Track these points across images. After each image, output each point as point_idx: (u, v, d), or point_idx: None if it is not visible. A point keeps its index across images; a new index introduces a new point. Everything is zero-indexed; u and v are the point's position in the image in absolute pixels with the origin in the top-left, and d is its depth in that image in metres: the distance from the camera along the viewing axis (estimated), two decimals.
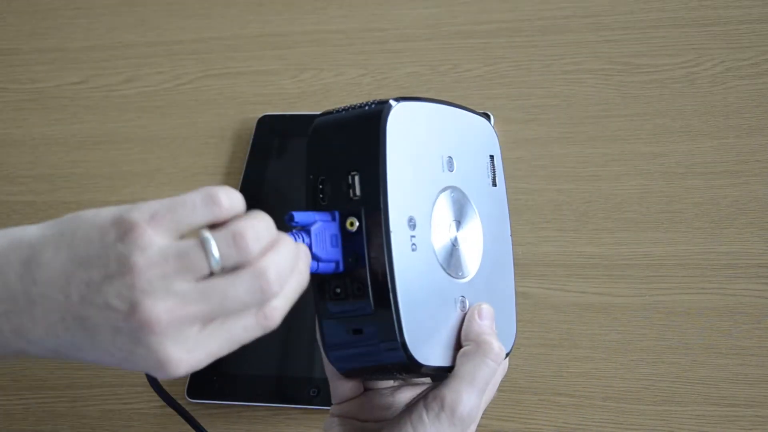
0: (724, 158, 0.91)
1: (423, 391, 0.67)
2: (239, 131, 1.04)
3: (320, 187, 0.62)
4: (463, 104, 0.71)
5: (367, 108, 0.63)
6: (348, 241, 0.61)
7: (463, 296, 0.66)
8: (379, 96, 1.02)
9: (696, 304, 0.85)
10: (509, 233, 0.72)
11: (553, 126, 0.97)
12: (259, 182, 0.99)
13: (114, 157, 1.06)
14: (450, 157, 0.66)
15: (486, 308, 0.66)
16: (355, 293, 0.61)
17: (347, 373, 0.65)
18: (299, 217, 0.60)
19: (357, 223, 0.61)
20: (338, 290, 0.61)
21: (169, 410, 0.81)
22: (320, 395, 0.87)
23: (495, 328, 0.65)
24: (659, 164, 0.92)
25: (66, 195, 1.04)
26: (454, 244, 0.66)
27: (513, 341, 0.70)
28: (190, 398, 0.89)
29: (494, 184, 0.71)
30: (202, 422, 0.80)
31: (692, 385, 0.83)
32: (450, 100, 0.69)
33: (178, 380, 0.91)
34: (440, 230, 0.65)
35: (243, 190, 0.99)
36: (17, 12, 1.20)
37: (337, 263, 0.61)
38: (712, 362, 0.83)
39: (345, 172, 0.62)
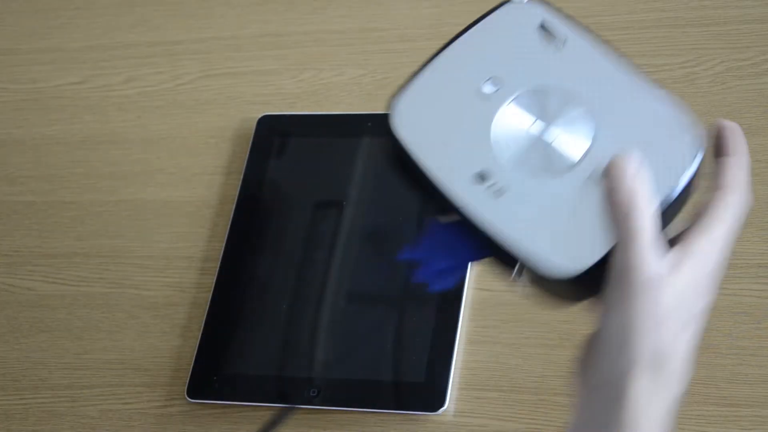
0: None
1: None
2: (239, 131, 1.04)
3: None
4: None
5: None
6: (453, 236, 0.60)
7: (585, 174, 0.59)
8: (379, 96, 1.02)
9: None
10: (623, 59, 0.67)
11: None
12: (259, 182, 0.99)
13: (114, 157, 1.06)
14: (491, 77, 0.61)
15: (618, 162, 0.58)
16: (503, 266, 0.59)
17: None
18: (406, 253, 0.61)
19: (445, 220, 0.60)
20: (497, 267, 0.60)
21: (169, 410, 0.81)
22: (320, 395, 0.87)
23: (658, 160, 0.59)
24: None
25: (66, 195, 1.04)
26: (548, 142, 0.60)
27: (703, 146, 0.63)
28: (190, 398, 0.89)
29: (562, 46, 0.64)
30: (202, 422, 0.80)
31: (692, 385, 0.82)
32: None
33: (178, 380, 0.91)
34: (518, 146, 0.60)
35: (243, 190, 0.99)
36: (17, 12, 1.20)
37: (466, 258, 0.61)
38: (712, 362, 0.83)
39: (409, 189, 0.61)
